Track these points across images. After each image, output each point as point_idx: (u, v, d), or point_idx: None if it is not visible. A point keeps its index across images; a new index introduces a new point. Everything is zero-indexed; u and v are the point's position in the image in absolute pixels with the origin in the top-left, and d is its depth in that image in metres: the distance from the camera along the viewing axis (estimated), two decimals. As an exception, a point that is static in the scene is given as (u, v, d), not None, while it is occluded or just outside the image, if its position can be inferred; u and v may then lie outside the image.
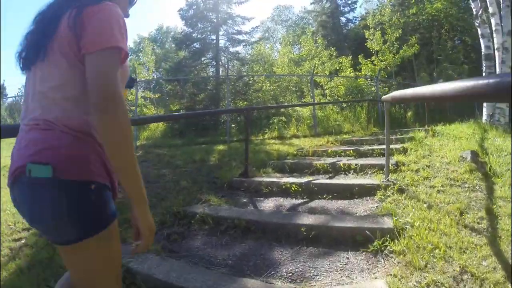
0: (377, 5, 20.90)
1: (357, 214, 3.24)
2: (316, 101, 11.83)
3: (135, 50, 37.93)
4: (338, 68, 14.56)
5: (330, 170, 4.85)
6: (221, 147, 8.60)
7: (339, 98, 12.72)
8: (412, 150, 5.27)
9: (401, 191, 3.64)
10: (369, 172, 4.51)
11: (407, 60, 15.35)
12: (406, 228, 2.74)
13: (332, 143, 7.37)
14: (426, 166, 4.50)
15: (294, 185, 4.08)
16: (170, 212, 3.72)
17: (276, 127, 9.82)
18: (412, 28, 16.65)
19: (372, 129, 9.47)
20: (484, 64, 8.51)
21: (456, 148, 5.17)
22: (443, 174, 4.16)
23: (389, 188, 3.67)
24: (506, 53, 8.19)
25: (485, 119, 8.14)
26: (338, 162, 4.90)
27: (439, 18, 16.59)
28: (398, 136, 6.73)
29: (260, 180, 4.47)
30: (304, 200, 3.86)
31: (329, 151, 6.07)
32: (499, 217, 3.10)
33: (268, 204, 3.89)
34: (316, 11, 28.02)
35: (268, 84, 13.45)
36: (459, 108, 15.59)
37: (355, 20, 29.98)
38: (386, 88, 13.18)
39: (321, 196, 3.84)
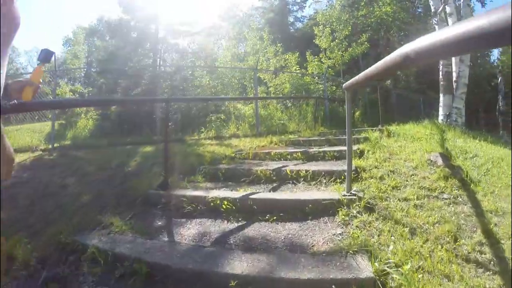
0: (327, 5, 20.76)
1: (315, 249, 2.21)
2: (263, 97, 10.96)
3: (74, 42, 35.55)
4: (284, 65, 13.78)
5: (274, 178, 3.81)
6: (148, 148, 7.23)
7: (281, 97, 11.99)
8: (369, 152, 4.51)
9: (369, 209, 2.71)
10: (324, 181, 3.55)
11: (356, 58, 15.20)
12: (393, 276, 1.76)
13: (276, 144, 6.41)
14: (391, 171, 3.70)
15: (226, 202, 2.99)
16: (58, 242, 2.80)
17: (214, 125, 8.67)
18: (361, 30, 16.58)
19: (320, 128, 8.74)
20: (440, 61, 8.16)
21: (418, 150, 4.52)
22: (413, 182, 3.38)
23: (354, 205, 2.74)
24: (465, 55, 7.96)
25: (442, 119, 7.78)
26: (284, 168, 3.89)
27: (387, 22, 16.72)
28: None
29: (182, 194, 3.32)
30: (239, 223, 2.78)
31: (272, 154, 5.06)
32: (501, 240, 2.34)
33: (190, 231, 2.77)
34: (263, 7, 27.39)
35: (209, 79, 12.26)
36: (405, 108, 15.79)
37: (303, 19, 29.94)
38: (334, 87, 12.73)
39: (262, 217, 2.78)
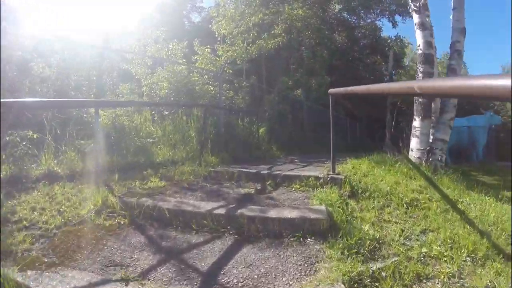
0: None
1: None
2: (127, 102, 7.23)
3: None
4: (165, 56, 10.17)
5: None
6: None
7: (159, 100, 8.50)
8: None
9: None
10: None
11: (266, 55, 12.43)
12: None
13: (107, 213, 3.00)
14: None
15: None
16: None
17: (15, 155, 4.72)
18: (272, 22, 14.04)
19: (210, 158, 5.55)
20: (420, 69, 5.80)
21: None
22: None
23: None
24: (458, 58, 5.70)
25: (417, 157, 5.41)
26: None
27: (297, 26, 14.58)
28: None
29: None
30: None
31: None
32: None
33: None
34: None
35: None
36: (317, 124, 13.65)
37: (203, 10, 26.60)
38: (231, 92, 9.66)
39: None
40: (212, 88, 8.64)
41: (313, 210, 2.84)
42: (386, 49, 22.91)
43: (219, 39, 10.77)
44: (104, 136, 5.93)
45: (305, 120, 12.92)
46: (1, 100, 3.22)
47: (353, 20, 23.79)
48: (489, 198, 3.86)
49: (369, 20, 24.09)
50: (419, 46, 5.80)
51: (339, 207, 2.98)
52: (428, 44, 5.70)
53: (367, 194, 3.43)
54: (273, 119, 10.24)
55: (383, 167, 4.60)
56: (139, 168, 4.70)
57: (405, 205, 3.21)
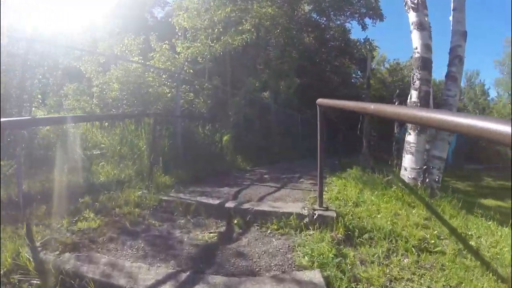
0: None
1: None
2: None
3: None
4: (119, 52, 9.04)
5: None
6: None
7: (109, 103, 7.53)
8: None
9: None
10: None
11: (232, 53, 11.54)
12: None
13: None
14: None
15: None
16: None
17: None
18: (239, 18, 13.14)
19: (163, 179, 4.74)
20: (417, 75, 5.01)
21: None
22: None
23: None
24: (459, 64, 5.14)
25: (412, 177, 4.80)
26: None
27: (265, 24, 13.87)
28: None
29: None
30: None
31: None
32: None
33: None
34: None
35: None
36: (285, 128, 13.07)
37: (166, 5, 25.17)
38: (192, 94, 8.72)
39: None
40: (168, 90, 7.67)
41: (303, 285, 2.11)
42: (364, 53, 22.77)
43: (179, 34, 9.72)
44: (37, 151, 5.01)
45: (273, 124, 12.24)
46: None
47: (323, 21, 23.50)
48: (491, 223, 3.61)
49: (338, 22, 23.91)
50: (416, 48, 5.07)
51: (335, 266, 2.28)
52: (427, 47, 5.01)
53: (365, 236, 2.76)
54: (238, 125, 9.44)
55: (375, 191, 4.03)
56: (74, 195, 3.83)
57: (414, 250, 2.59)
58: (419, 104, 4.81)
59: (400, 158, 10.39)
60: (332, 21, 23.71)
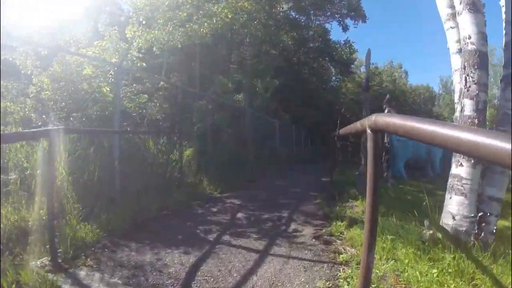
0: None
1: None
2: None
3: None
4: (63, 42, 7.06)
5: None
6: None
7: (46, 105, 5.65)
8: None
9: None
10: None
11: (199, 46, 9.74)
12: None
13: None
14: None
15: None
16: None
17: None
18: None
19: (78, 233, 3.05)
20: (472, 76, 3.24)
21: None
22: None
23: None
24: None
25: (463, 230, 3.05)
26: None
27: (241, 19, 12.30)
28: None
29: None
30: None
31: None
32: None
33: None
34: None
35: None
36: (261, 134, 11.42)
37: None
38: (144, 96, 6.58)
39: None
40: (108, 89, 5.77)
41: None
42: (344, 56, 21.73)
43: (134, 18, 7.70)
44: None
45: (247, 133, 10.46)
46: None
47: (302, 20, 22.19)
48: None
49: (318, 22, 22.73)
50: (468, 38, 3.28)
51: None
52: (483, 36, 3.24)
53: None
54: (204, 135, 7.66)
55: (418, 258, 2.55)
56: None
57: None
58: (476, 121, 3.09)
59: (390, 168, 9.00)
60: (311, 21, 22.50)
